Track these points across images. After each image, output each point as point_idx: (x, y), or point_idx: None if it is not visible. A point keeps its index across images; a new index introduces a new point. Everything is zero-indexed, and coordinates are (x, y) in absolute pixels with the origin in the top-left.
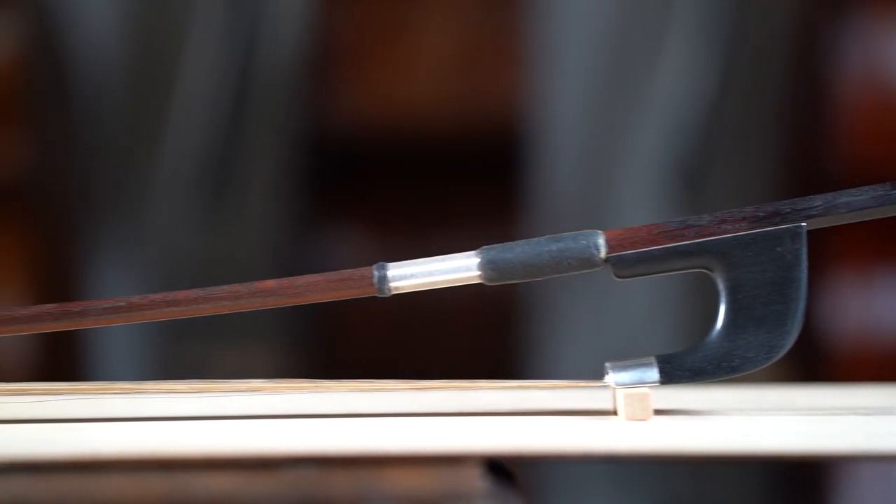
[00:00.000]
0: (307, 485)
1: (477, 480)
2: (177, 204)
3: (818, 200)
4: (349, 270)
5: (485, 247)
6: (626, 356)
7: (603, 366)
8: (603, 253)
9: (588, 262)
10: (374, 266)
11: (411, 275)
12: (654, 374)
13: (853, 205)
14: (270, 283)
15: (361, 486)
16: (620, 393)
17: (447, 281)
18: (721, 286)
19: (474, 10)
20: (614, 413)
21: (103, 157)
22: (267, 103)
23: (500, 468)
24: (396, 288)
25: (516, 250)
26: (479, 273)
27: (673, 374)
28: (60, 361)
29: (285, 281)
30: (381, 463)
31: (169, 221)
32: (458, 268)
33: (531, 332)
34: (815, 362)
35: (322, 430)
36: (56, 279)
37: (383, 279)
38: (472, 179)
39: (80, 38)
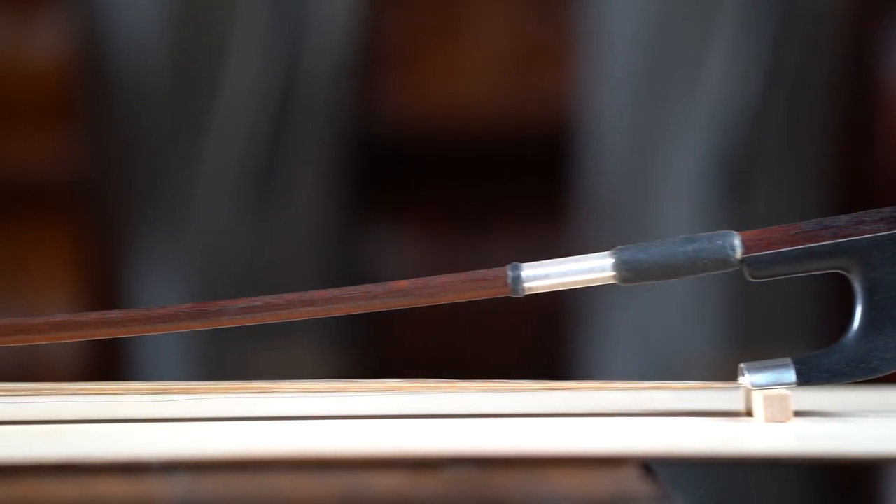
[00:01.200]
0: (472, 485)
1: (638, 482)
2: (221, 204)
3: None
4: (483, 271)
5: (619, 247)
6: (675, 356)
7: (651, 365)
8: (739, 254)
9: (723, 262)
10: (508, 266)
11: (545, 275)
12: (790, 375)
13: None
14: (404, 284)
15: (527, 488)
16: (758, 394)
17: (581, 281)
18: (857, 287)
19: (524, 9)
20: (747, 414)
21: (148, 157)
22: (314, 102)
23: (649, 470)
24: (530, 288)
25: (651, 251)
26: (613, 274)
27: (810, 375)
28: (105, 361)
29: (420, 281)
30: (542, 464)
31: (213, 222)
32: (593, 268)
33: (578, 331)
34: None
35: (479, 431)
36: (101, 277)
37: (517, 280)
38: (522, 179)
39: (125, 38)
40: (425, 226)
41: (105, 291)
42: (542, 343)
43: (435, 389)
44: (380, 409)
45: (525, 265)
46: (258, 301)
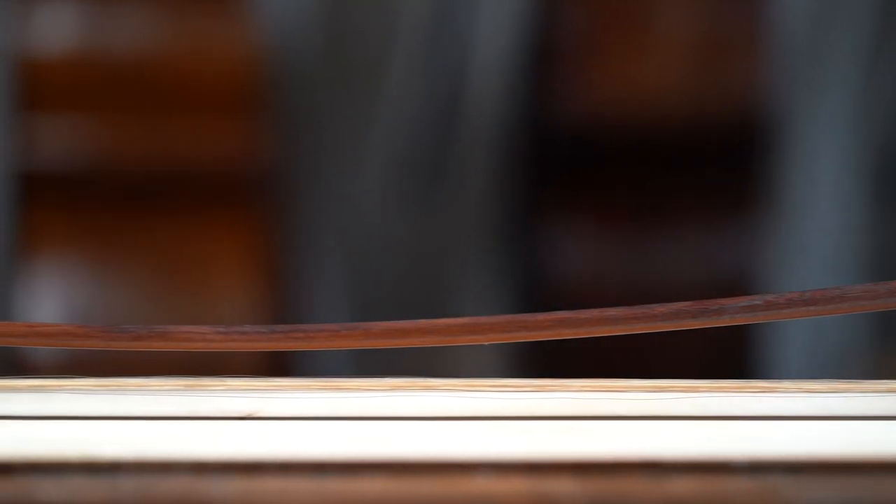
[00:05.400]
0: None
1: None
2: (387, 200)
3: None
4: None
5: None
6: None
7: (822, 361)
8: None
9: None
10: None
11: None
12: None
13: None
14: None
15: None
16: None
17: None
18: None
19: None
20: None
21: (316, 153)
22: (486, 94)
23: None
24: None
25: None
26: None
27: None
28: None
29: None
30: None
31: (378, 217)
32: None
33: (753, 327)
34: None
35: None
36: (276, 273)
37: None
38: (705, 173)
39: (295, 31)
40: (602, 220)
41: (278, 286)
42: (718, 339)
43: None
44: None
45: None
46: (758, 299)
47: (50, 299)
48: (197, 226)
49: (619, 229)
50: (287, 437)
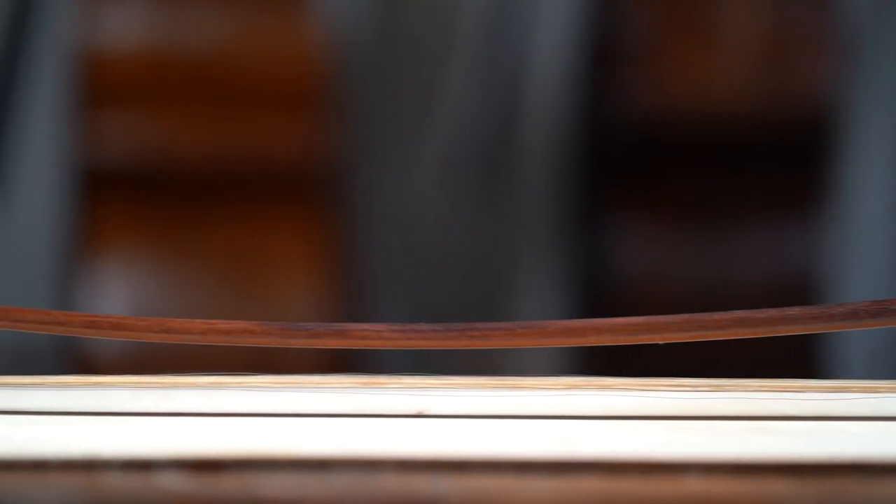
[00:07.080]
0: None
1: None
2: (448, 194)
3: None
4: None
5: None
6: None
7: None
8: None
9: None
10: None
11: None
12: None
13: None
14: None
15: None
16: None
17: None
18: None
19: None
20: None
21: (374, 150)
22: (545, 95)
23: None
24: None
25: None
26: None
27: None
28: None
29: None
30: None
31: (439, 212)
32: None
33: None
34: None
35: None
36: (339, 271)
37: None
38: (768, 172)
39: (355, 30)
40: (663, 220)
41: (340, 283)
42: (785, 339)
43: None
44: None
45: None
46: None
47: (115, 295)
48: (260, 223)
49: (681, 229)
50: (481, 435)
